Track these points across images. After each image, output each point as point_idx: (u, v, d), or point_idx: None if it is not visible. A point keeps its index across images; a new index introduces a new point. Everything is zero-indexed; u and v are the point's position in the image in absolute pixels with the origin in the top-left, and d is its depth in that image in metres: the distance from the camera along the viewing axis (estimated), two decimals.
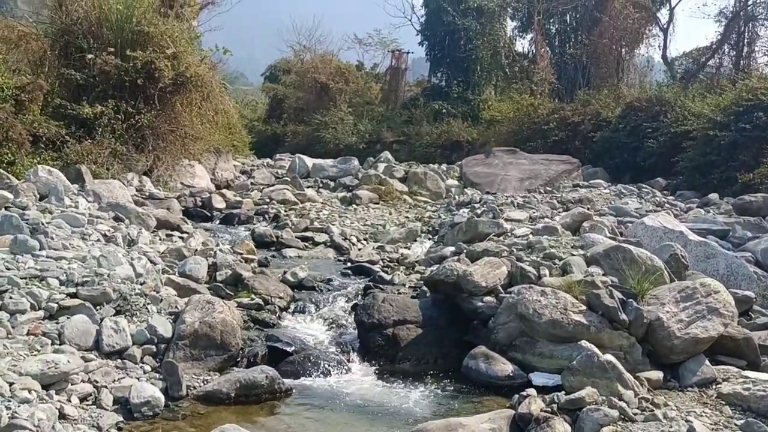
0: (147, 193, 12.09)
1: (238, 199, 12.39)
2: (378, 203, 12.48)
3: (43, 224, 6.36)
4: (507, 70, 31.81)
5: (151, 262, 6.58)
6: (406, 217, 11.60)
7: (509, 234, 8.48)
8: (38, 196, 7.93)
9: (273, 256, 8.72)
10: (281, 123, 36.61)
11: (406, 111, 34.61)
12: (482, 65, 32.58)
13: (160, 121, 14.15)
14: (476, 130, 28.89)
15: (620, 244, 7.04)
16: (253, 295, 6.71)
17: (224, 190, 13.29)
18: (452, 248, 8.42)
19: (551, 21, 32.97)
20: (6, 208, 6.99)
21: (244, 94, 44.77)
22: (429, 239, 10.13)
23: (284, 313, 6.75)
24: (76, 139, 12.61)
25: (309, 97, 37.13)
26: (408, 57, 42.01)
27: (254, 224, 10.97)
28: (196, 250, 7.60)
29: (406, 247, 9.40)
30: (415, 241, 10.01)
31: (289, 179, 16.01)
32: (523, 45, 35.76)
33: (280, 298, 6.84)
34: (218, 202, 11.79)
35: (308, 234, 10.10)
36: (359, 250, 9.47)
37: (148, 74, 13.75)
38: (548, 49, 32.21)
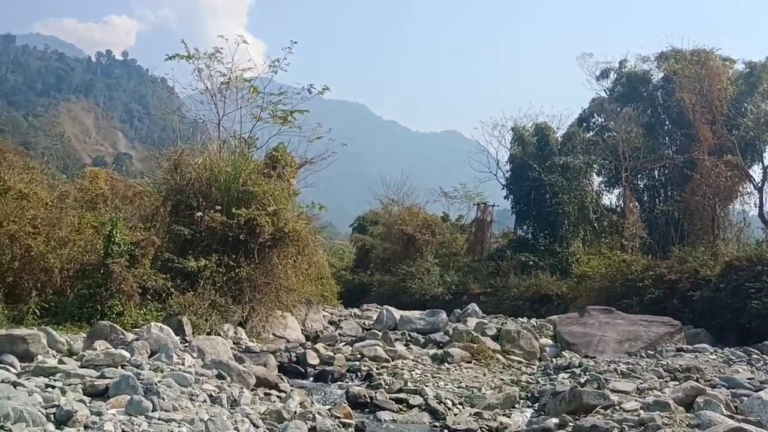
0: (243, 347, 12.30)
1: (331, 354, 12.35)
2: (470, 362, 12.12)
3: (155, 384, 6.53)
4: (596, 224, 31.58)
5: (254, 425, 6.60)
6: (501, 379, 11.16)
7: (617, 407, 7.97)
8: (149, 352, 8.22)
9: (367, 419, 8.47)
10: (368, 272, 37.28)
11: (492, 263, 34.56)
12: (569, 219, 32.55)
13: (258, 274, 14.69)
14: (566, 284, 28.30)
15: (741, 425, 6.45)
16: None
17: (317, 345, 13.33)
18: (556, 420, 7.95)
19: (639, 176, 33.00)
20: (122, 366, 7.26)
21: (332, 243, 46.21)
22: (528, 406, 9.62)
23: None
24: (180, 290, 13.22)
25: (396, 247, 38.03)
26: (493, 210, 42.90)
27: (347, 382, 10.81)
28: (295, 412, 7.50)
29: (505, 415, 8.94)
30: (514, 407, 9.53)
31: (379, 334, 15.95)
32: (610, 199, 35.83)
33: None
34: (312, 358, 11.75)
35: (402, 395, 9.81)
36: (455, 415, 9.07)
37: (249, 230, 14.51)
38: (637, 203, 32.02)
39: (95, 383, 6.56)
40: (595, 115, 39.33)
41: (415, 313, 20.93)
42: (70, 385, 6.34)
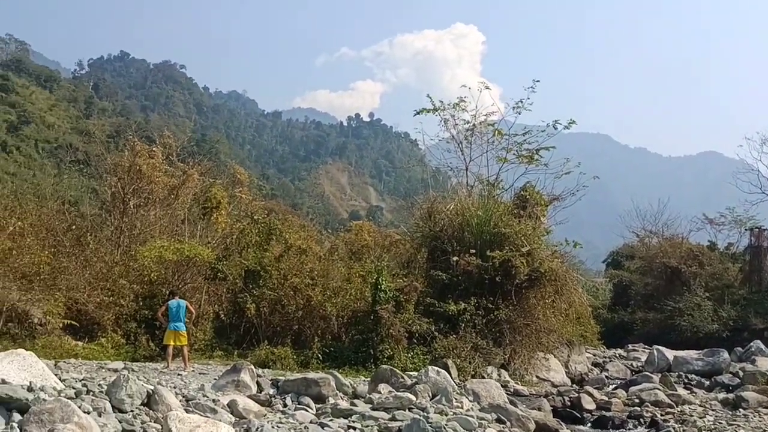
0: (512, 389, 12.21)
1: (606, 398, 11.61)
2: None
3: (444, 428, 6.66)
4: None
5: None
6: None
7: None
8: (430, 396, 8.47)
9: None
10: (628, 310, 34.92)
11: None
12: None
13: (516, 315, 14.59)
14: None
15: None
16: None
17: (587, 388, 12.70)
18: None
19: None
20: (409, 409, 7.54)
21: (587, 280, 44.27)
22: None
23: None
24: (443, 334, 13.62)
25: (658, 282, 35.06)
26: None
27: (629, 429, 10.04)
28: None
29: None
30: None
31: (653, 376, 14.75)
32: None
33: None
34: (588, 403, 11.11)
35: None
36: None
37: (505, 271, 14.52)
38: None
39: (389, 425, 6.84)
40: None
41: (691, 353, 19.04)
42: (367, 426, 6.74)
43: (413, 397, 7.71)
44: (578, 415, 10.46)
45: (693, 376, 16.76)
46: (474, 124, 18.73)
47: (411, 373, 10.45)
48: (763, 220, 38.35)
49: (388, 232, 21.53)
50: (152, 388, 8.00)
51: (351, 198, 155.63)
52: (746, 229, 38.88)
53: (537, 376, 14.96)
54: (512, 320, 14.47)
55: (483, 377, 13.69)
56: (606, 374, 18.10)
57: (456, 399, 8.41)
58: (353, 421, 7.03)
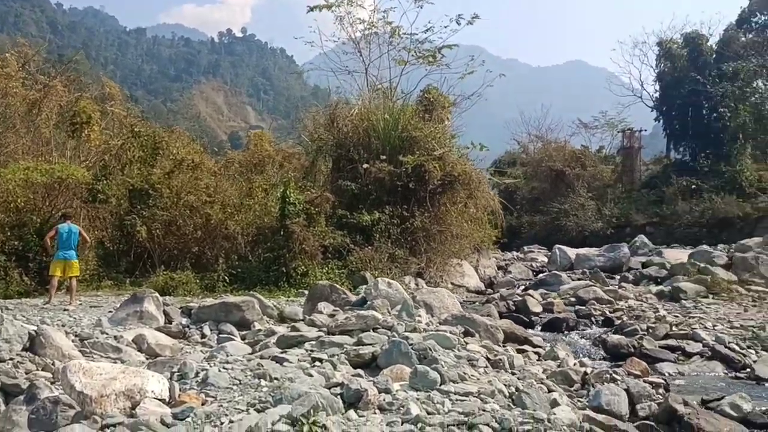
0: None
1: (551, 300, 11.08)
2: (707, 297, 10.56)
3: (430, 350, 5.32)
4: None
5: (550, 391, 5.38)
6: None
7: None
8: (389, 312, 7.09)
9: (658, 375, 6.80)
10: (514, 215, 35.88)
11: (652, 191, 31.97)
12: (745, 132, 29.00)
13: (430, 223, 14.02)
14: (749, 205, 25.59)
15: None
16: None
17: (531, 292, 12.10)
18: None
19: None
20: (374, 330, 6.21)
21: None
22: None
23: None
24: (358, 246, 12.80)
25: (544, 186, 36.07)
26: (641, 135, 39.64)
27: (583, 329, 9.59)
28: (586, 373, 6.02)
29: None
30: None
31: (564, 275, 14.83)
32: None
33: None
34: (534, 306, 10.34)
35: (671, 342, 8.12)
36: (755, 362, 7.44)
37: (418, 177, 13.81)
38: None
39: (360, 352, 5.55)
40: (758, 13, 34.96)
41: (592, 251, 19.57)
42: (334, 356, 5.47)
43: (379, 315, 6.47)
44: (526, 318, 9.95)
45: (597, 271, 17.06)
46: (372, 23, 17.42)
47: (365, 288, 9.20)
48: (632, 123, 40.26)
49: (280, 147, 20.09)
50: (35, 328, 6.59)
51: (229, 119, 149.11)
52: (618, 132, 40.77)
53: (452, 283, 14.64)
54: (427, 228, 13.88)
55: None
56: (511, 276, 18.22)
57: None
58: (311, 351, 5.69)
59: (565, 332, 9.30)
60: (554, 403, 4.88)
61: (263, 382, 4.79)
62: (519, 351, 6.44)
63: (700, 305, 9.98)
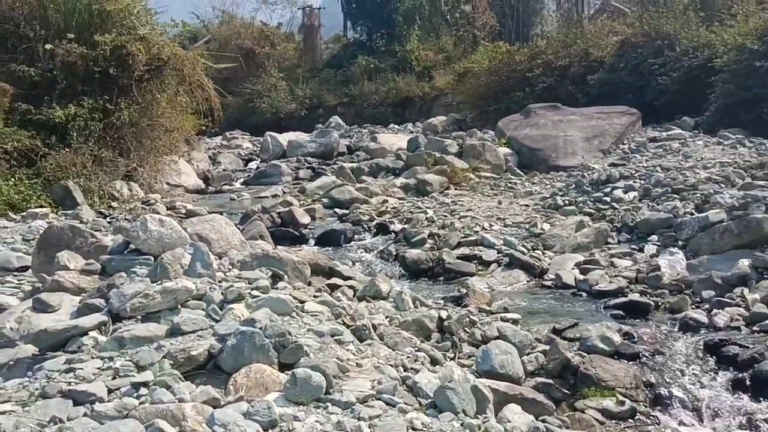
0: (184, 212, 9.83)
1: (311, 206, 9.91)
2: (449, 188, 10.71)
3: (289, 335, 3.65)
4: (448, 16, 30.39)
5: (434, 361, 4.23)
6: (526, 205, 9.43)
7: None
8: (181, 266, 4.52)
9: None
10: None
11: (342, 71, 32.65)
12: (422, 15, 30.78)
13: (139, 116, 12.00)
14: (428, 85, 27.66)
15: None
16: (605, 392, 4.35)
17: (290, 198, 10.77)
18: (747, 261, 6.21)
19: None
20: (181, 305, 3.97)
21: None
22: (627, 239, 7.82)
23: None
24: (53, 150, 10.38)
25: (234, 65, 34.19)
26: (320, 13, 39.71)
27: (361, 241, 8.56)
28: (441, 318, 4.92)
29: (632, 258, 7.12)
30: (608, 244, 7.68)
31: (284, 165, 14.26)
32: None
33: (637, 388, 4.51)
34: (301, 216, 9.08)
35: (465, 251, 7.53)
36: (547, 265, 7.18)
37: (119, 61, 11.51)
38: None
39: (192, 353, 3.51)
40: None
41: (302, 136, 19.13)
42: (152, 364, 3.34)
43: (191, 285, 4.07)
44: (296, 232, 8.43)
45: (311, 159, 16.78)
46: None
47: (120, 225, 6.37)
48: (312, 0, 40.10)
49: None
50: None
51: None
52: (298, 9, 40.34)
53: (168, 183, 13.03)
54: (136, 122, 11.85)
55: (114, 196, 11.18)
56: (223, 168, 17.02)
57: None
58: (107, 360, 3.36)
59: (344, 245, 8.38)
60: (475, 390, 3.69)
61: None
62: (330, 287, 5.29)
63: (454, 200, 9.79)
